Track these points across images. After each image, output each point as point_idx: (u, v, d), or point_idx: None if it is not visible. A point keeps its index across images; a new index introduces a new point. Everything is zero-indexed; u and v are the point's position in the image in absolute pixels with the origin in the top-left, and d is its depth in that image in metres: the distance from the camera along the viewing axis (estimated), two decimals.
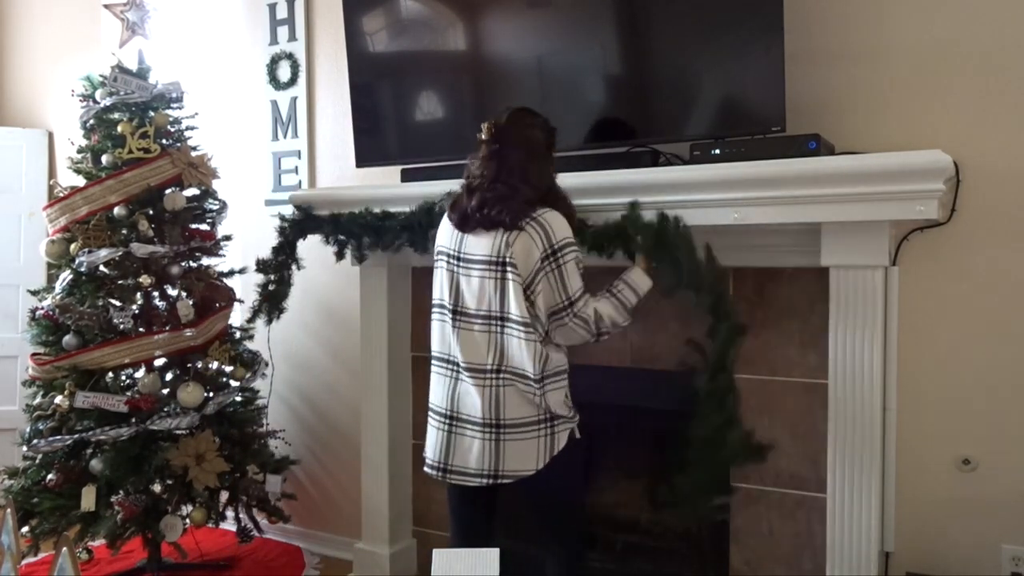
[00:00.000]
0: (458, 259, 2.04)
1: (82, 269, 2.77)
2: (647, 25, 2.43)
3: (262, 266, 2.87)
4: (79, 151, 3.00)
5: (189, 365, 2.91)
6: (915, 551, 2.26)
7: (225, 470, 2.84)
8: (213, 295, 2.98)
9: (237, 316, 3.17)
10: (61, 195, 2.89)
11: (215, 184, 3.07)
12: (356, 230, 2.72)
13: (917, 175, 1.92)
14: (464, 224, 2.03)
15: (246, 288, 3.16)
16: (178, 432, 2.80)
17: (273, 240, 2.88)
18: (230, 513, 2.99)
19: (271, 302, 2.87)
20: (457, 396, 2.02)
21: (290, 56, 3.37)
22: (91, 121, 2.97)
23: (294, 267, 2.90)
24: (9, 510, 1.80)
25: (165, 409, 2.80)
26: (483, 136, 2.02)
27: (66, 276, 2.85)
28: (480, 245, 1.99)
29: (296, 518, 3.27)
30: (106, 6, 3.15)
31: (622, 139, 2.46)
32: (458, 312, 2.02)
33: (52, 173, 4.11)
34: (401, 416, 3.03)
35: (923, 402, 2.24)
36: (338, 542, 3.30)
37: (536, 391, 1.96)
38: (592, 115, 2.53)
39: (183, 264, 2.92)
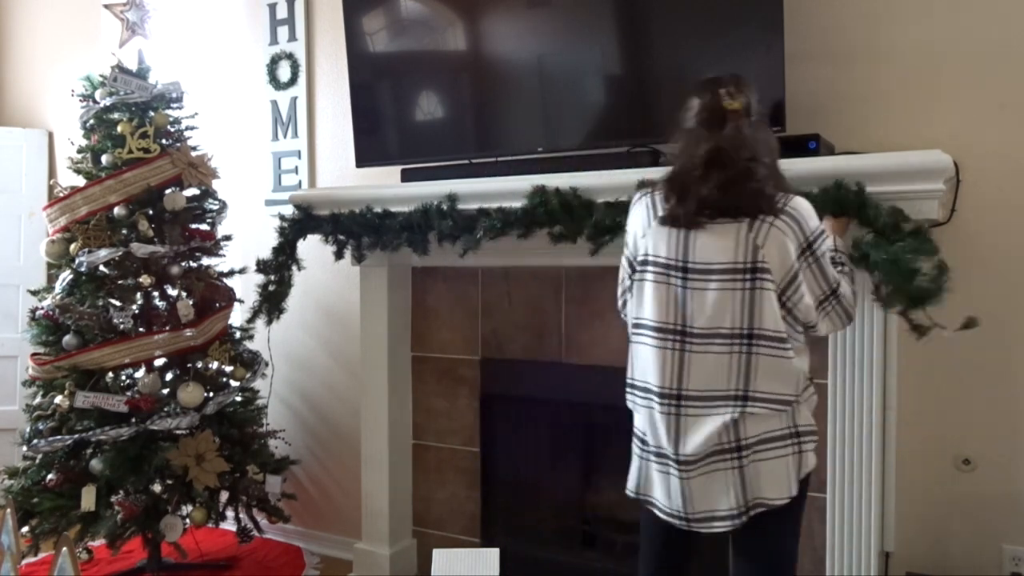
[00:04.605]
0: (685, 270, 1.68)
1: (82, 269, 2.77)
2: (647, 25, 2.43)
3: (262, 266, 2.87)
4: (79, 151, 3.00)
5: (189, 365, 2.91)
6: (915, 551, 2.26)
7: (225, 470, 2.84)
8: (213, 295, 2.98)
9: (237, 316, 3.17)
10: (61, 195, 2.89)
11: (215, 184, 3.07)
12: (356, 230, 2.73)
13: (917, 175, 1.93)
14: (690, 219, 1.66)
15: (246, 288, 3.16)
16: (178, 432, 2.80)
17: (273, 240, 2.88)
18: (230, 513, 2.99)
19: (271, 302, 2.88)
20: (685, 433, 1.67)
21: (290, 56, 3.37)
22: (91, 121, 2.97)
23: (294, 267, 2.90)
24: (9, 510, 1.81)
25: (165, 409, 2.79)
26: (731, 103, 1.65)
27: (66, 276, 2.85)
28: (718, 250, 1.65)
29: (296, 518, 3.27)
30: (106, 6, 3.15)
31: (622, 139, 2.46)
32: (686, 333, 1.67)
33: (52, 173, 4.11)
34: (401, 416, 3.03)
35: (923, 402, 2.24)
36: (338, 542, 3.29)
37: (791, 412, 1.69)
38: (592, 115, 2.53)
39: (183, 264, 2.92)
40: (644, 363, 1.74)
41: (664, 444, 1.69)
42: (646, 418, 1.75)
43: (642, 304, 1.75)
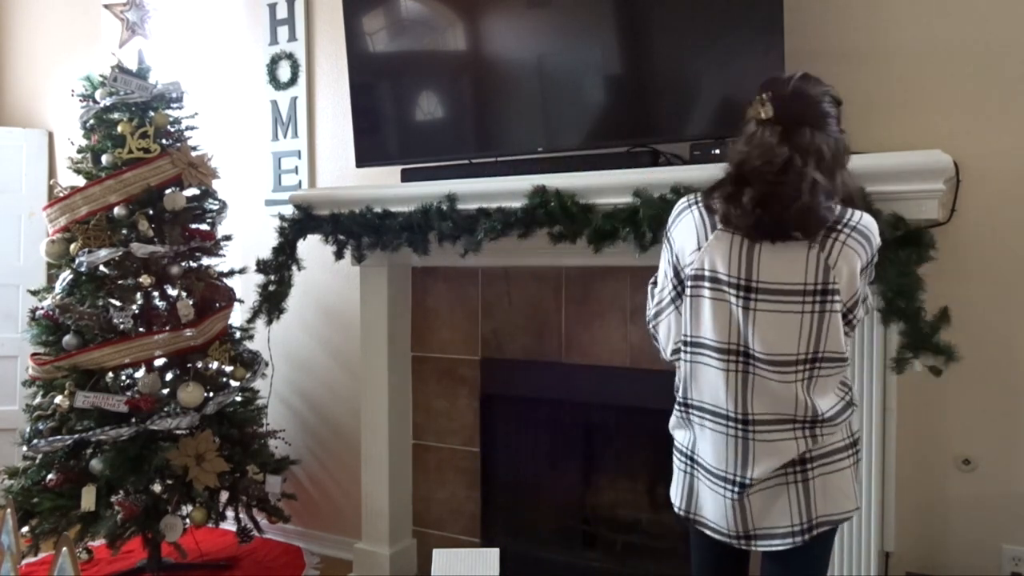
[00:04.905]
0: (748, 288, 1.57)
1: (82, 269, 2.77)
2: (647, 25, 2.43)
3: (262, 266, 2.88)
4: (79, 151, 3.00)
5: (189, 365, 2.91)
6: (915, 551, 2.26)
7: (225, 470, 2.84)
8: (213, 295, 2.98)
9: (237, 316, 3.17)
10: (61, 195, 2.89)
11: (215, 184, 3.07)
12: (356, 230, 2.73)
13: (917, 175, 1.93)
14: (757, 232, 1.55)
15: (246, 288, 3.16)
16: (178, 432, 2.80)
17: (273, 240, 2.89)
18: (230, 513, 2.99)
19: (271, 302, 2.88)
20: (753, 458, 1.58)
21: (290, 56, 3.37)
22: (91, 121, 2.97)
23: (294, 267, 2.91)
24: (9, 510, 1.81)
25: (165, 409, 2.79)
26: (762, 114, 1.56)
27: (66, 276, 2.85)
28: (785, 270, 1.55)
29: (296, 518, 3.27)
30: (106, 6, 3.15)
31: (622, 139, 2.46)
32: (749, 355, 1.58)
33: (52, 173, 4.11)
34: (401, 416, 3.03)
35: (923, 402, 2.24)
36: (338, 542, 3.30)
37: (848, 422, 1.65)
38: (592, 115, 2.53)
39: (183, 264, 2.92)
40: (706, 384, 1.64)
41: (727, 467, 1.61)
42: (704, 438, 1.66)
43: (699, 322, 1.63)
